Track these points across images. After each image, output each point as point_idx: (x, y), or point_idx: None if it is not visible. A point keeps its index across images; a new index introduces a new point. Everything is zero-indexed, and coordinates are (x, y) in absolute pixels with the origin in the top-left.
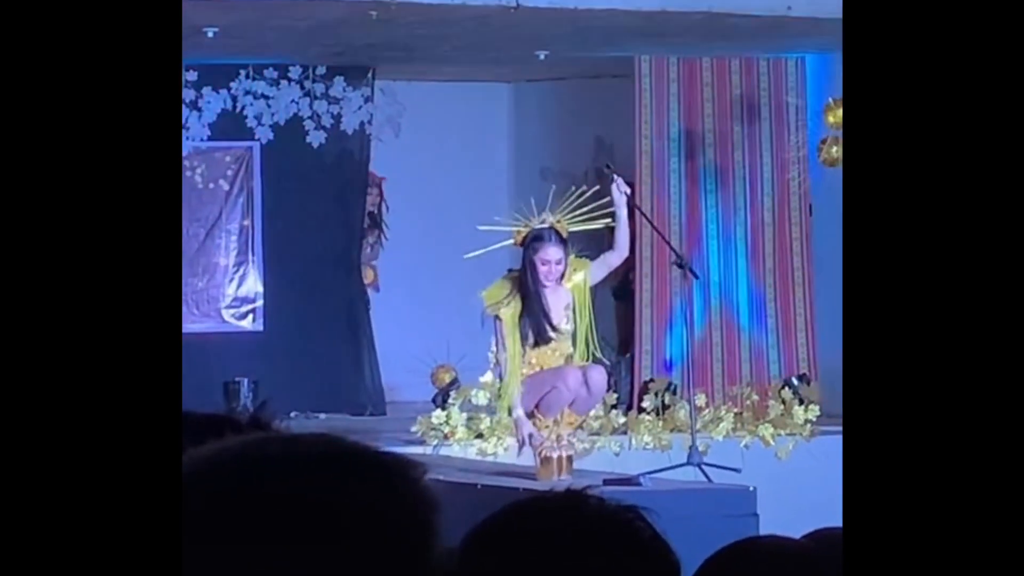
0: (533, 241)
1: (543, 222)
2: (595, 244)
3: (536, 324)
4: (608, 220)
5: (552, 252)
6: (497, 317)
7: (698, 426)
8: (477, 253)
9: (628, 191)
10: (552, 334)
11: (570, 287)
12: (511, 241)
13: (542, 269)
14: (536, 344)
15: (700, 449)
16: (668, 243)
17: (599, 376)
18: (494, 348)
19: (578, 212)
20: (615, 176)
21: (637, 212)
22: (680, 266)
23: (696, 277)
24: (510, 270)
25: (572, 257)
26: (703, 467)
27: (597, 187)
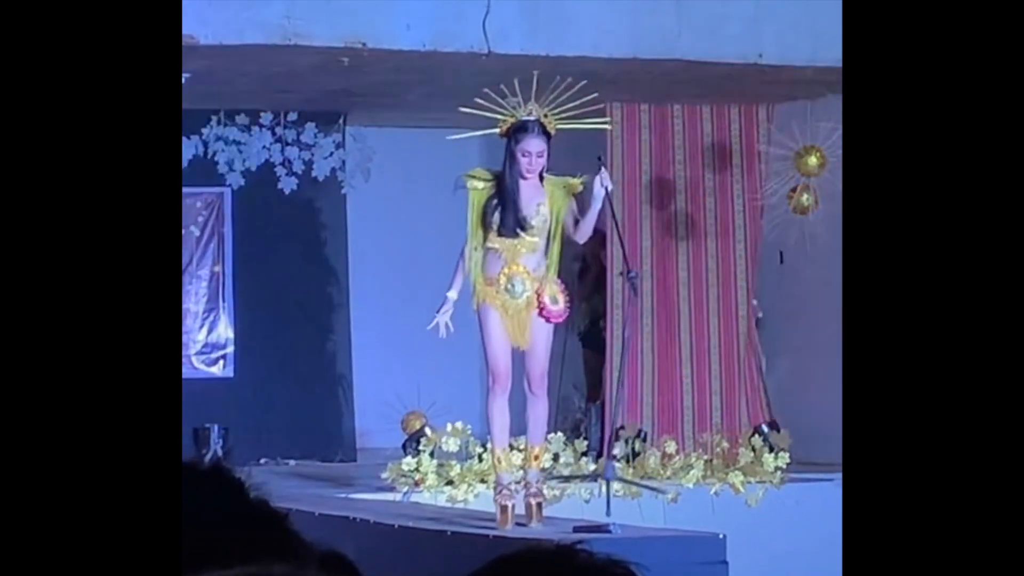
0: (516, 132)
1: (529, 113)
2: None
3: (506, 213)
4: (602, 121)
5: (534, 144)
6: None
7: (668, 473)
8: (460, 136)
9: (610, 186)
10: (520, 226)
11: (548, 190)
12: (496, 130)
13: (522, 161)
14: (501, 233)
15: (670, 497)
16: (624, 247)
17: (543, 410)
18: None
19: (566, 108)
20: (602, 168)
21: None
22: (627, 276)
23: (635, 292)
24: None
25: (569, 180)
26: (610, 482)
27: (584, 81)
